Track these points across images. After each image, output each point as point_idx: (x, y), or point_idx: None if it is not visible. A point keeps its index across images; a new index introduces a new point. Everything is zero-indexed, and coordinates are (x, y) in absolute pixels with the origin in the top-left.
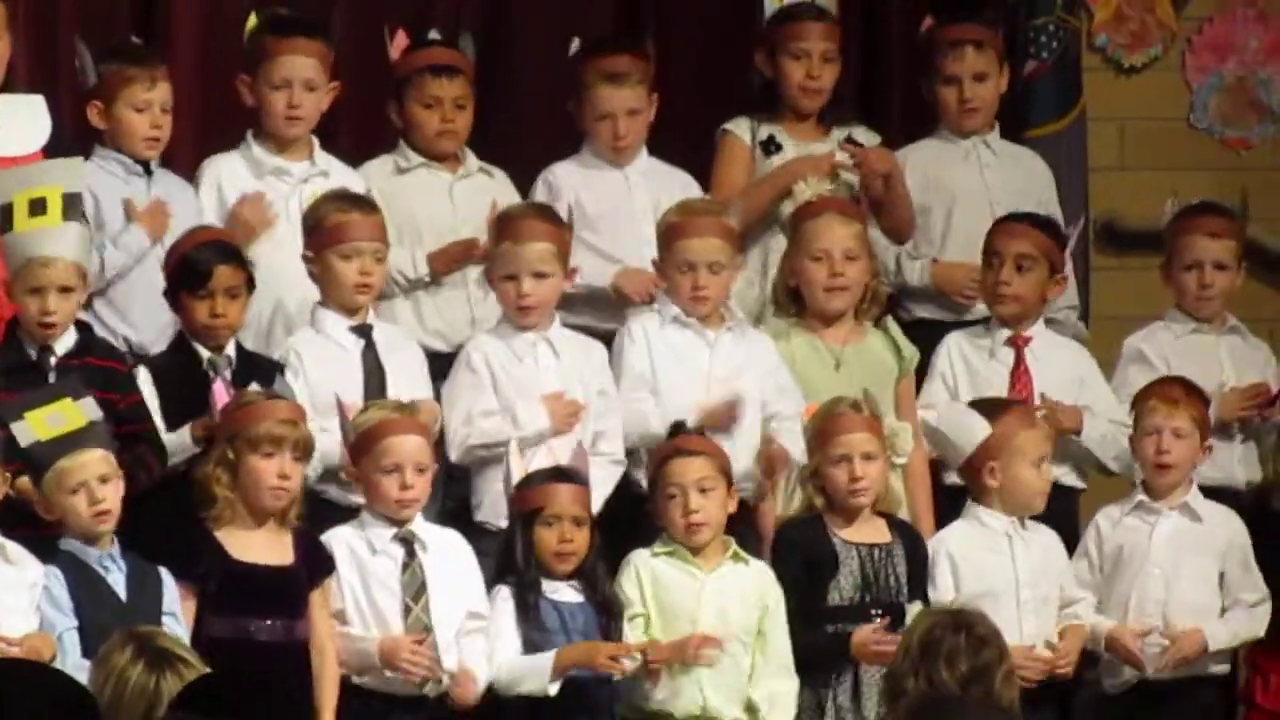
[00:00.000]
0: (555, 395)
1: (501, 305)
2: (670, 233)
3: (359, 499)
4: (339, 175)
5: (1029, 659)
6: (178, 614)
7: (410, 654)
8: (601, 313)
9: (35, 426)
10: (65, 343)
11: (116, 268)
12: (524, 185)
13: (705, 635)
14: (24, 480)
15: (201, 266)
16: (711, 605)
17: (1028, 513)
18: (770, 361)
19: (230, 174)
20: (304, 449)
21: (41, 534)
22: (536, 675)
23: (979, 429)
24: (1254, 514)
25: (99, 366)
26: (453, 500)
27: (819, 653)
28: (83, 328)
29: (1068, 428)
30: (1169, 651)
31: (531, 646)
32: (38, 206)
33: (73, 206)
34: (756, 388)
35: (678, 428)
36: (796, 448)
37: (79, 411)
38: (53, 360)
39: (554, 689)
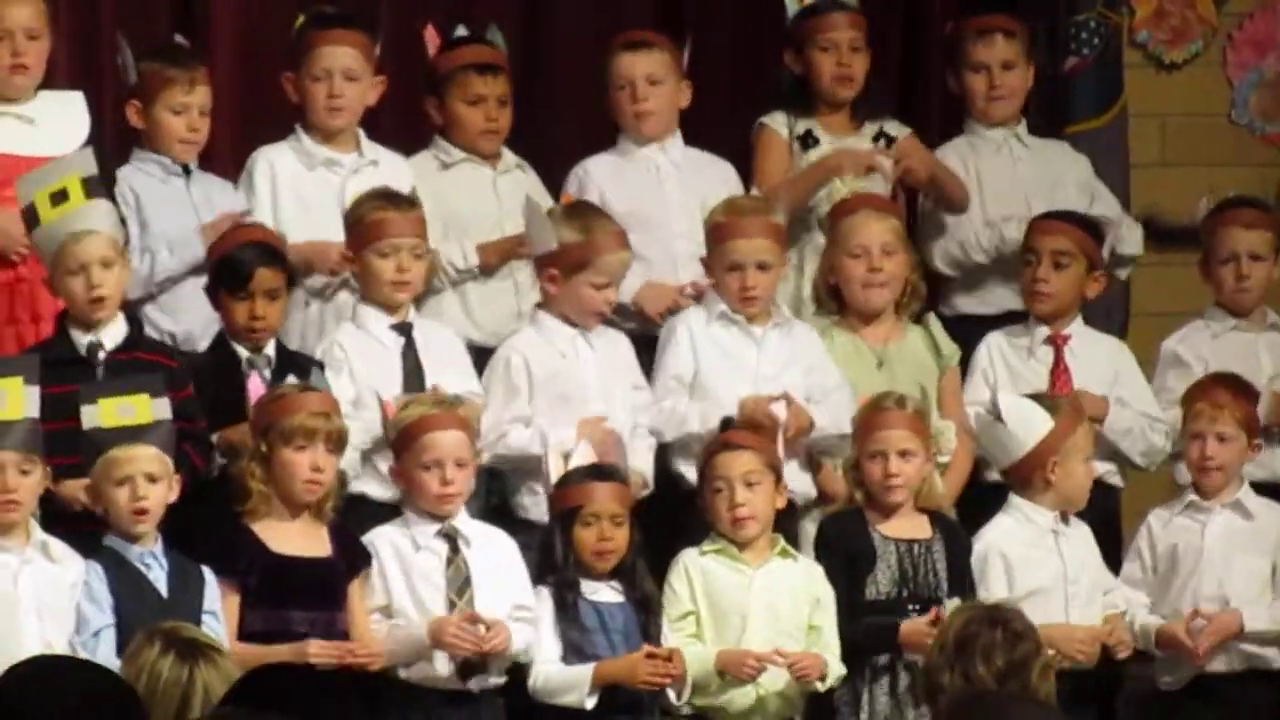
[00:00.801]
0: (595, 420)
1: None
2: (717, 232)
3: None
4: (389, 164)
5: (1081, 640)
6: (218, 613)
7: (455, 629)
8: (632, 319)
9: (103, 413)
10: (114, 336)
11: (168, 273)
12: (557, 182)
13: (760, 655)
14: (68, 484)
15: (243, 268)
16: (760, 601)
17: (1074, 508)
18: (812, 359)
19: (282, 165)
20: (337, 441)
21: (85, 529)
22: (575, 688)
23: (1043, 424)
24: None
25: (148, 361)
26: (496, 496)
27: (864, 639)
28: (132, 321)
29: (1091, 416)
30: (1204, 631)
31: (571, 646)
32: (59, 197)
33: (93, 185)
34: (802, 384)
35: (728, 423)
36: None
37: (150, 409)
38: (101, 354)
39: (591, 702)
